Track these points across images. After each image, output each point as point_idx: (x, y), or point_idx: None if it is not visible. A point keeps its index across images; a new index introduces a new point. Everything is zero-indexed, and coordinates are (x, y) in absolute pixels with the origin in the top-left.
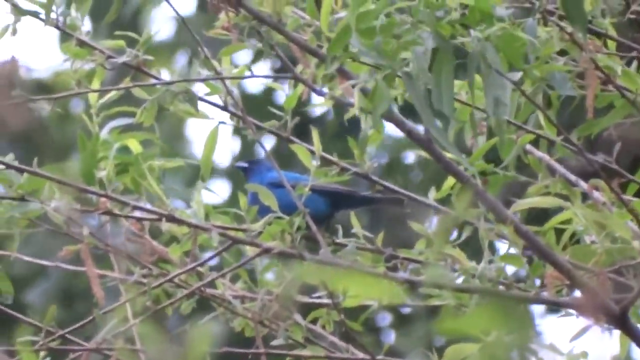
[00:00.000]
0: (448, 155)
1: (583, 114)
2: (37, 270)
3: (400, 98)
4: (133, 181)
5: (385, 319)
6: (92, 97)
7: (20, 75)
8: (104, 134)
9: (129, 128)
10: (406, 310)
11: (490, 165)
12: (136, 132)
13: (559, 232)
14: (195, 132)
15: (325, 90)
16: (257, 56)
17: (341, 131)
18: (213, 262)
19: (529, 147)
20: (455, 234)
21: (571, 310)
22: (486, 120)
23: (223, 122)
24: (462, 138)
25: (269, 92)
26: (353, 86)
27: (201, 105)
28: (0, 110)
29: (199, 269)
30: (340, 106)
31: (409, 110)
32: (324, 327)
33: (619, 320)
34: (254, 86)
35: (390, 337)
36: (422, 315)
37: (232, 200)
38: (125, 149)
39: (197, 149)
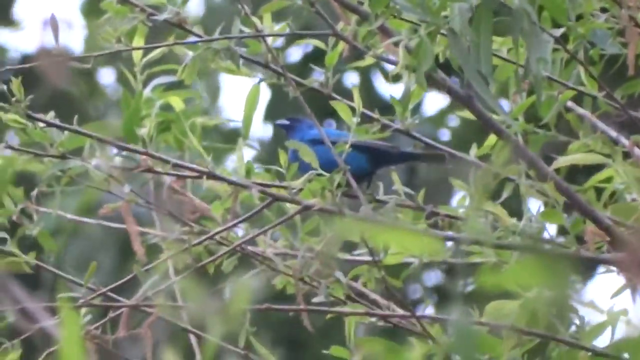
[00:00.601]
0: (489, 112)
1: (625, 72)
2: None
3: (442, 55)
4: (175, 139)
5: (426, 276)
6: (136, 55)
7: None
8: (146, 92)
9: (171, 86)
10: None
11: (530, 125)
12: (179, 90)
13: (599, 191)
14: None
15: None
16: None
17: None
18: (254, 220)
19: (570, 104)
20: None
21: (611, 267)
22: (527, 78)
23: (264, 79)
24: (502, 97)
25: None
26: (396, 44)
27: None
28: (42, 69)
29: (240, 226)
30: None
31: (447, 69)
32: (365, 284)
33: None
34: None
35: (431, 294)
36: (463, 272)
37: (271, 159)
38: (167, 107)
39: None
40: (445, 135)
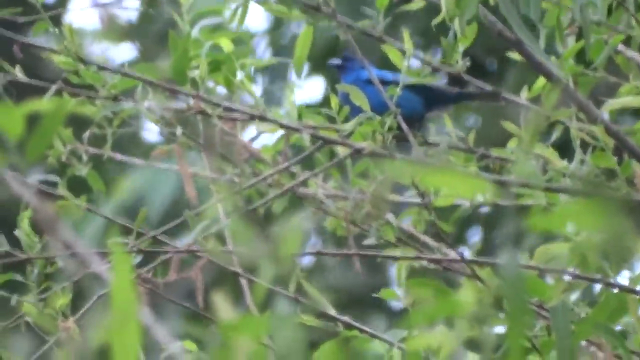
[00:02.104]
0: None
1: None
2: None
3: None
4: (226, 80)
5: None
6: None
7: None
8: (194, 33)
9: (219, 28)
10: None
11: (579, 67)
12: (224, 31)
13: None
14: None
15: None
16: None
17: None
18: (305, 162)
19: (620, 47)
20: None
21: None
22: (575, 22)
23: (315, 22)
24: (553, 40)
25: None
26: None
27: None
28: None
29: (292, 168)
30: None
31: (499, 12)
32: (415, 226)
33: None
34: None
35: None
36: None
37: (325, 100)
38: (216, 49)
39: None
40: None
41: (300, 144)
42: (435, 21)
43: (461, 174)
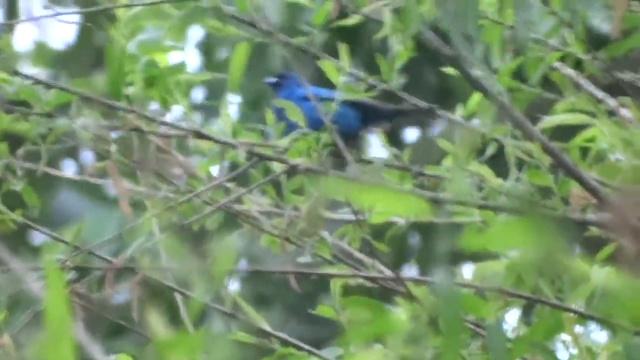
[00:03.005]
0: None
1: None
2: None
3: (426, 18)
4: (160, 96)
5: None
6: (120, 10)
7: None
8: (131, 47)
9: (155, 42)
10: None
11: (516, 83)
12: (162, 45)
13: (584, 152)
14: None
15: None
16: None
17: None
18: (239, 179)
19: (557, 64)
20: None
21: (597, 229)
22: (514, 39)
23: (251, 38)
24: (489, 57)
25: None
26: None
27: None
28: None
29: (226, 184)
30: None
31: (436, 28)
32: (349, 244)
33: None
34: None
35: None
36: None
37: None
38: (152, 63)
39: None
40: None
41: (235, 160)
42: (378, 35)
43: (396, 192)
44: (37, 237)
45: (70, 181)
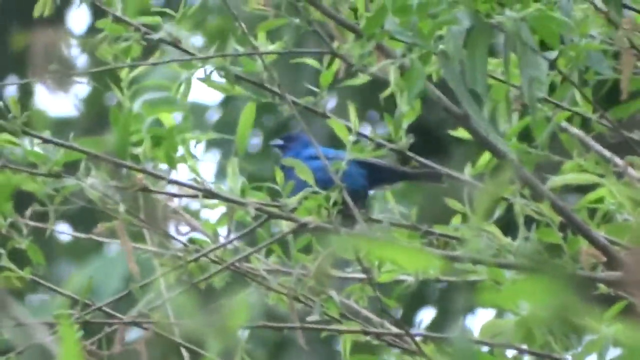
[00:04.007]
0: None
1: (617, 94)
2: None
3: (436, 75)
4: (166, 155)
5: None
6: (123, 71)
7: (59, 48)
8: (136, 107)
9: (160, 102)
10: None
11: (524, 145)
12: (167, 105)
13: (592, 212)
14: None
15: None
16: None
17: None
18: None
19: (564, 124)
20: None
21: (607, 287)
22: (521, 99)
23: (259, 99)
24: (497, 116)
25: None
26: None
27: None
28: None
29: (234, 244)
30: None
31: (445, 87)
32: (357, 302)
33: None
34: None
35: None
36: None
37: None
38: (156, 123)
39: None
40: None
41: (242, 220)
42: (384, 94)
43: (410, 249)
44: (34, 300)
45: (66, 246)
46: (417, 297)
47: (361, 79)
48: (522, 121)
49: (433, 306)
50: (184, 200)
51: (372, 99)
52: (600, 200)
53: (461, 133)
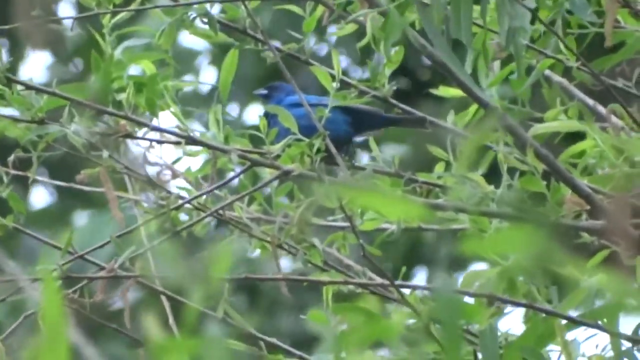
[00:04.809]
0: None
1: (601, 45)
2: None
3: (418, 23)
4: (149, 101)
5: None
6: (105, 17)
7: None
8: (117, 54)
9: (142, 49)
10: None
11: (504, 102)
12: (151, 52)
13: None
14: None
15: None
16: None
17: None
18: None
19: (547, 72)
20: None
21: (590, 235)
22: (507, 47)
23: (242, 45)
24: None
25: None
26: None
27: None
28: (22, 30)
29: (217, 192)
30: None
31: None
32: (339, 250)
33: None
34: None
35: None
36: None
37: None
38: (140, 69)
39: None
40: None
41: (225, 167)
42: (360, 44)
43: (392, 197)
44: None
45: (36, 214)
46: (410, 257)
47: (347, 28)
48: (505, 69)
49: (427, 265)
50: (166, 147)
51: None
52: (581, 153)
53: (444, 92)
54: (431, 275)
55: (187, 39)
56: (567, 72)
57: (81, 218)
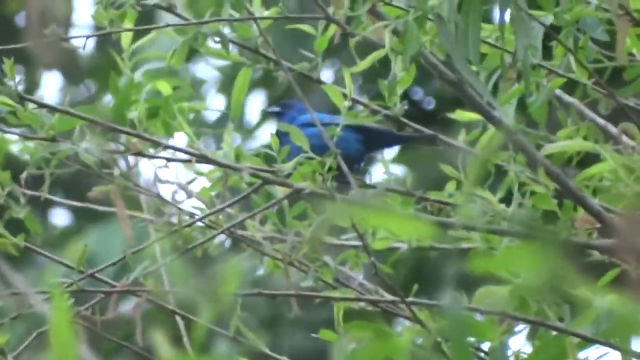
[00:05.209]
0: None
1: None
2: None
3: (429, 45)
4: (164, 122)
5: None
6: (125, 40)
7: (55, 12)
8: (137, 77)
9: (159, 73)
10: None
11: (520, 124)
12: (167, 76)
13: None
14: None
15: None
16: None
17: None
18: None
19: (558, 92)
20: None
21: (601, 253)
22: (514, 65)
23: (255, 64)
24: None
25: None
26: (385, 27)
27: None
28: (34, 49)
29: (229, 210)
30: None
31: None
32: (351, 269)
33: None
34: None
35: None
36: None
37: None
38: (155, 93)
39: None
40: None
41: (237, 186)
42: (377, 56)
43: (402, 216)
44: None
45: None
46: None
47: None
48: (517, 88)
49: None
50: (179, 167)
51: (379, 69)
52: (594, 176)
53: (459, 115)
54: (439, 293)
55: (195, 67)
56: (574, 90)
57: (92, 234)
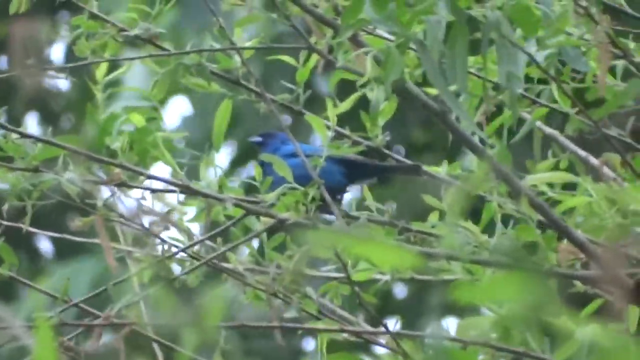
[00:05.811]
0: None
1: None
2: None
3: (411, 77)
4: (141, 152)
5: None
6: (99, 72)
7: (36, 44)
8: (111, 108)
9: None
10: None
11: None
12: (142, 108)
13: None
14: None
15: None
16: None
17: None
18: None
19: (538, 124)
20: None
21: (584, 284)
22: (500, 94)
23: (236, 95)
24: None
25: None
26: (366, 54)
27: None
28: (16, 79)
29: (208, 242)
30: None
31: (421, 86)
32: (332, 300)
33: (634, 294)
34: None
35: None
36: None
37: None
38: (129, 124)
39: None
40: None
41: (217, 216)
42: (360, 82)
43: (387, 246)
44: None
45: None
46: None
47: (339, 74)
48: (500, 118)
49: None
50: (161, 196)
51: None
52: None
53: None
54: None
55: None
56: (553, 122)
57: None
